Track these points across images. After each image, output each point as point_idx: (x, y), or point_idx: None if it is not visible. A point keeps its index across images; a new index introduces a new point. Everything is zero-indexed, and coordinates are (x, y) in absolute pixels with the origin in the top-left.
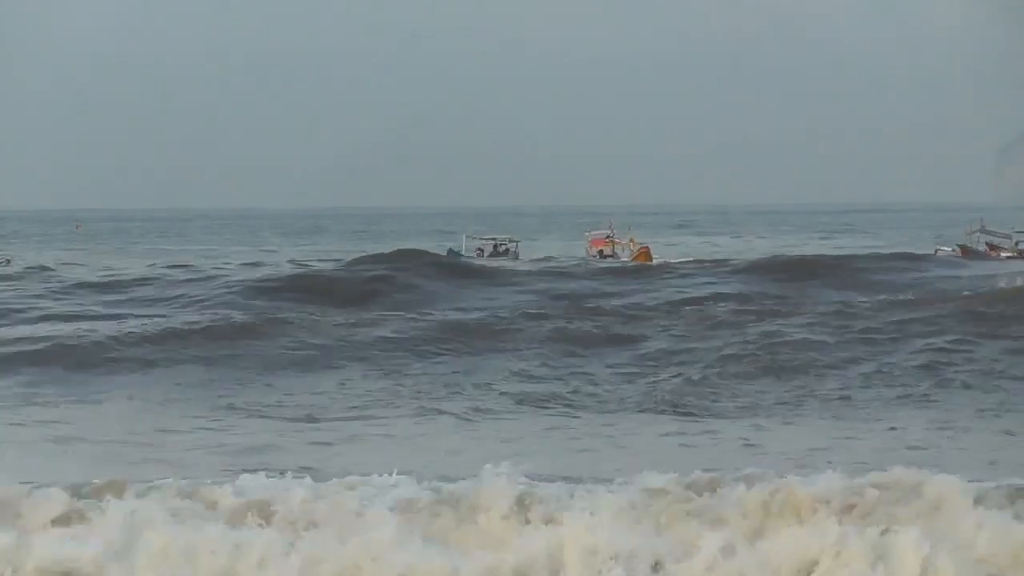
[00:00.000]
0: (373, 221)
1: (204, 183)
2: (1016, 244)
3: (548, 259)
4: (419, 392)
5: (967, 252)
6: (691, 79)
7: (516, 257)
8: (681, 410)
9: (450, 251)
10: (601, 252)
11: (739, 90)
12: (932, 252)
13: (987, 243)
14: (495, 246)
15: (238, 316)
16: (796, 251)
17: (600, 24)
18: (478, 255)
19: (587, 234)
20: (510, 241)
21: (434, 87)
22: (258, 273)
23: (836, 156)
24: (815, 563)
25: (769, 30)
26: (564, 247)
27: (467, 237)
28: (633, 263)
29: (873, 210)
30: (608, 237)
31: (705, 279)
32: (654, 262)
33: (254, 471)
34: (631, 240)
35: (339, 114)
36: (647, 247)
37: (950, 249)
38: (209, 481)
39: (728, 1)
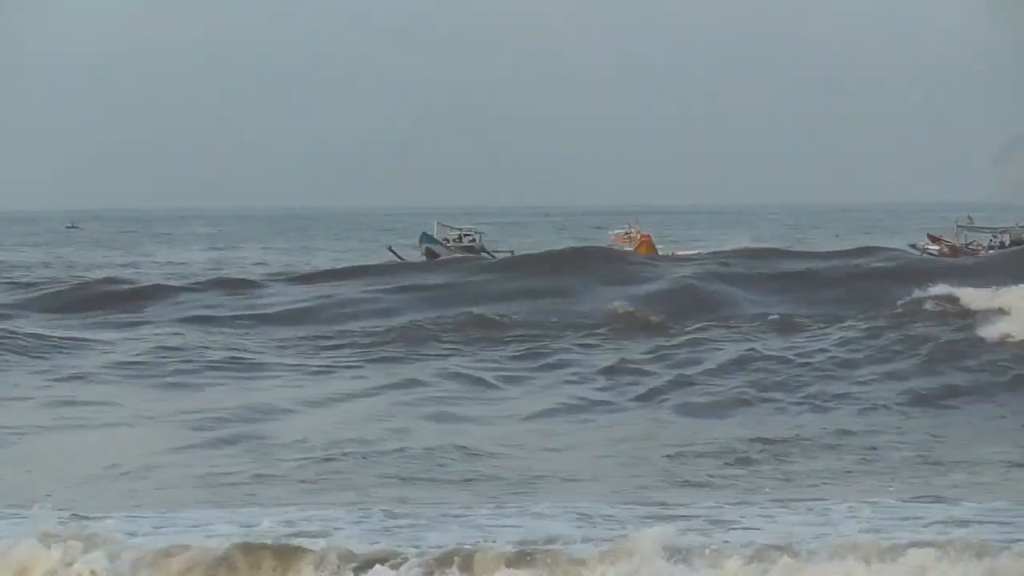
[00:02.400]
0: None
1: (198, 183)
2: (1000, 237)
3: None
4: None
5: (953, 250)
6: (689, 78)
7: (481, 246)
8: None
9: (423, 235)
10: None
11: (738, 90)
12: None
13: (930, 237)
14: (460, 236)
15: None
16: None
17: (599, 24)
18: (444, 242)
19: (610, 233)
20: (475, 232)
21: (442, 84)
22: None
23: (837, 156)
24: None
25: (767, 29)
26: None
27: (439, 224)
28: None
29: (874, 209)
30: (627, 234)
31: None
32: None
33: None
34: (637, 231)
35: (339, 114)
36: (648, 237)
37: (936, 248)
38: None
39: (727, 1)
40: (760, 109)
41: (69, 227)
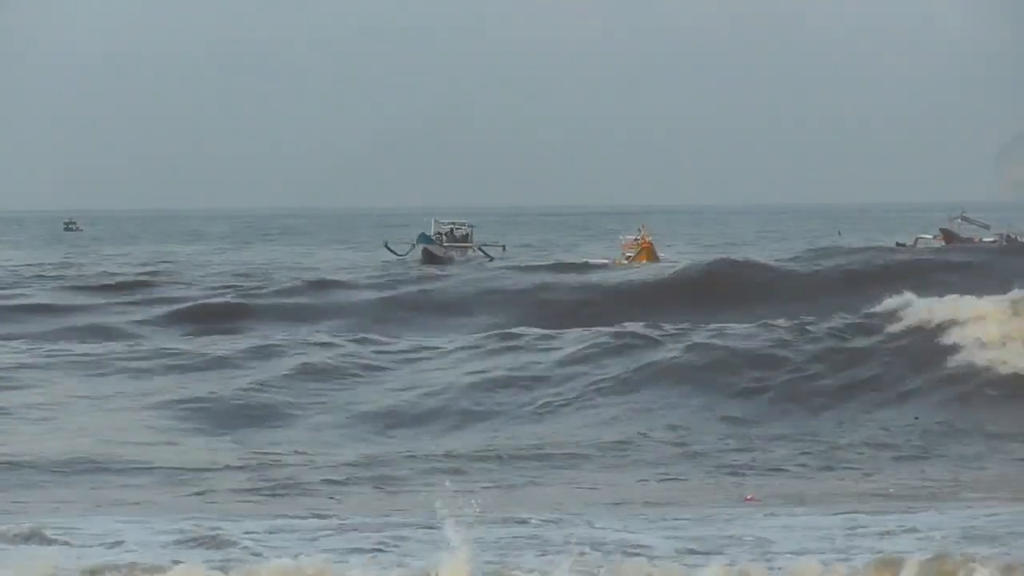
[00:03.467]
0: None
1: (197, 184)
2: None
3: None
4: None
5: (949, 239)
6: (689, 77)
7: (472, 239)
8: None
9: (421, 235)
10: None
11: (738, 90)
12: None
13: (943, 232)
14: (451, 230)
15: None
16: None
17: (598, 21)
18: (437, 238)
19: (621, 238)
20: (467, 226)
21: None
22: None
23: (838, 156)
24: None
25: (767, 29)
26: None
27: (435, 221)
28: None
29: (875, 209)
30: (636, 239)
31: None
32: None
33: None
34: (643, 237)
35: (339, 114)
36: (649, 244)
37: (931, 237)
38: None
39: (728, 1)
40: (761, 109)
41: (67, 226)
